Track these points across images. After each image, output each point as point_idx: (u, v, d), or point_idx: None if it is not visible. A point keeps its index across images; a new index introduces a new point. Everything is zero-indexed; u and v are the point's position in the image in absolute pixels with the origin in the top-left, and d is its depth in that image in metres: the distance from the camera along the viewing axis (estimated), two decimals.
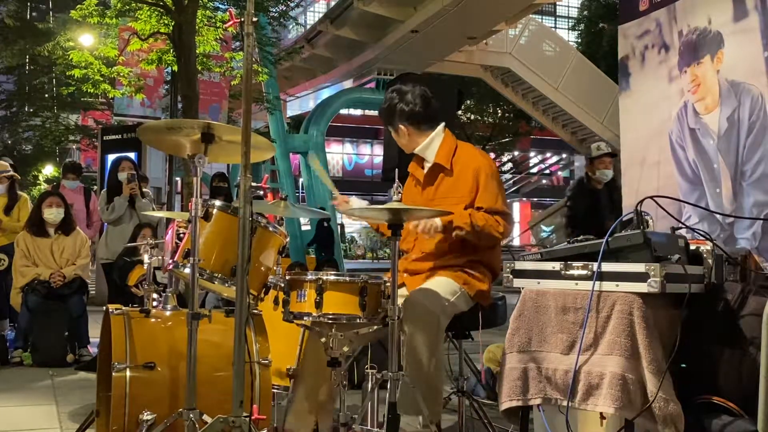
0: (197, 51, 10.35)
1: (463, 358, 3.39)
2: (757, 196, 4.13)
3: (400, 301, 2.73)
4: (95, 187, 11.42)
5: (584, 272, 2.47)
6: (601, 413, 2.49)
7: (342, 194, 3.26)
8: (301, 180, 24.46)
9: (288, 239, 2.90)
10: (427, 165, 3.20)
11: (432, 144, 3.19)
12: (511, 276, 2.71)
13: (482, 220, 2.97)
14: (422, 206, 3.07)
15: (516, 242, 22.64)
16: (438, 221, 2.93)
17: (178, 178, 12.46)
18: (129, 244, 5.74)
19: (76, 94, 14.42)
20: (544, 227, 17.97)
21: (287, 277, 2.73)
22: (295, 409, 2.98)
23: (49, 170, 23.66)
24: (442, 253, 3.07)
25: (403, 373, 2.64)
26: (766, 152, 4.07)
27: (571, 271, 2.50)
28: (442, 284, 2.97)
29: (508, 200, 3.27)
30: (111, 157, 8.83)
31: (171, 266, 2.76)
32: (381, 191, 27.31)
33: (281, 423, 3.02)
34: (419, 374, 2.75)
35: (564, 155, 37.31)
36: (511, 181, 36.28)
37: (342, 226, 30.81)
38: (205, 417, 2.48)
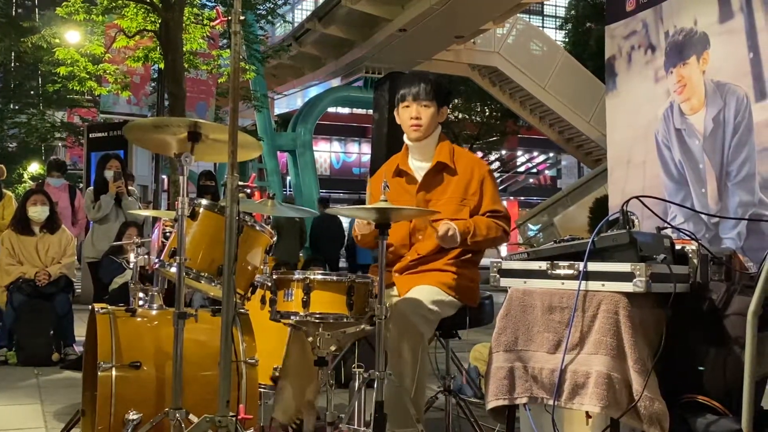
0: (184, 48, 10.30)
1: (450, 357, 3.39)
2: (742, 196, 4.15)
3: (388, 300, 2.72)
4: (81, 185, 11.34)
5: (570, 272, 2.47)
6: (587, 412, 2.50)
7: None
8: (288, 178, 24.39)
9: (275, 238, 2.89)
10: (425, 164, 3.13)
11: (431, 142, 3.14)
12: (497, 275, 2.71)
13: (495, 231, 3.00)
14: (415, 207, 3.05)
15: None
16: (456, 231, 2.91)
17: (164, 177, 12.38)
18: (115, 243, 5.72)
19: (62, 92, 14.32)
20: (531, 226, 18.03)
21: (274, 276, 2.72)
22: (280, 406, 2.98)
23: (34, 168, 23.50)
24: (438, 257, 3.03)
25: (389, 381, 2.63)
26: (751, 153, 4.10)
27: (558, 271, 2.51)
28: (430, 293, 2.92)
29: None
30: (97, 155, 8.77)
31: (157, 265, 2.75)
32: None
33: (268, 422, 3.01)
34: (402, 381, 2.74)
35: (551, 154, 37.45)
36: (498, 180, 36.28)
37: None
38: (192, 416, 2.47)
